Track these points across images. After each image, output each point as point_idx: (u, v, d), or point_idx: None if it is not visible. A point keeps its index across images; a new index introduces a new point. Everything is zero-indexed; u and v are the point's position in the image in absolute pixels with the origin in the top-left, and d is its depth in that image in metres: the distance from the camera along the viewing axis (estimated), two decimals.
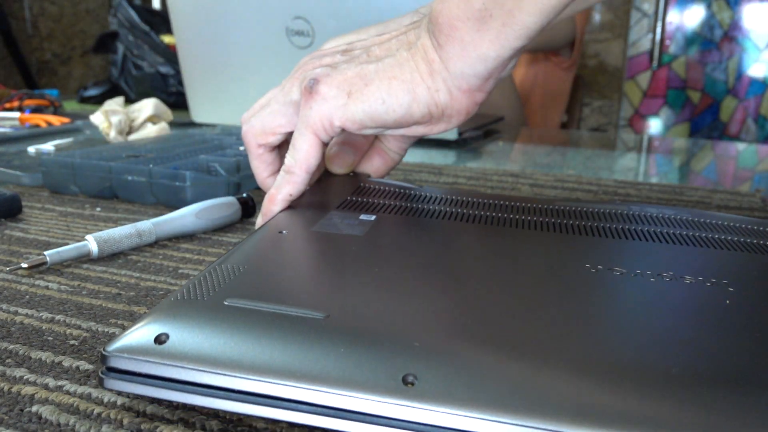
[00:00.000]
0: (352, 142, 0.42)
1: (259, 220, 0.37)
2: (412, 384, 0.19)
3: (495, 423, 0.18)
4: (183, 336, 0.21)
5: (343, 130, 0.35)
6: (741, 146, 0.98)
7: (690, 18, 2.28)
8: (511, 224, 0.35)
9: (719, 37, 2.26)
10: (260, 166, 0.39)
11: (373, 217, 0.35)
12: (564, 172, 0.68)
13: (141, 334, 0.22)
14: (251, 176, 0.52)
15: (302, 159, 0.36)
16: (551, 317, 0.24)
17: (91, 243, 0.37)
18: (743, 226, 0.36)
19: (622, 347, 0.22)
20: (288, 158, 0.36)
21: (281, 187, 0.36)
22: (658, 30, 2.29)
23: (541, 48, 1.38)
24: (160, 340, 0.21)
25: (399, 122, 0.35)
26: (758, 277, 0.29)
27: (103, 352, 0.21)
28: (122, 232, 0.39)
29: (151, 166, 0.49)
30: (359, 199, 0.38)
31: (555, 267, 0.29)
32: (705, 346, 0.22)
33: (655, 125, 2.40)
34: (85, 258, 0.38)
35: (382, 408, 0.19)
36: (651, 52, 2.33)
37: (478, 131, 0.90)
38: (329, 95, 0.34)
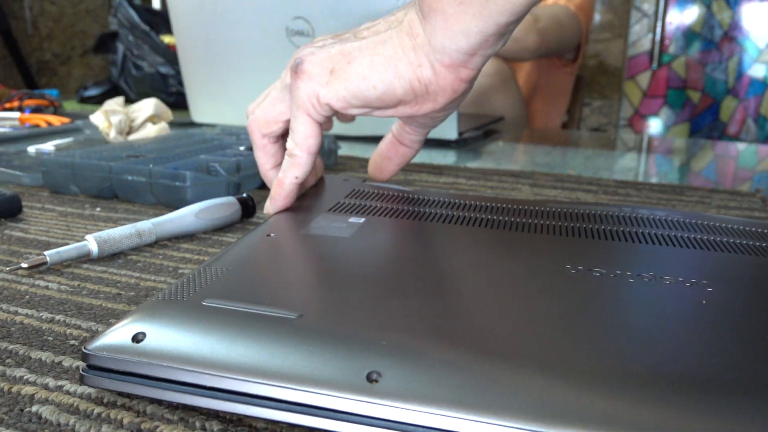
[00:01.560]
0: (391, 151, 0.43)
1: (268, 204, 0.38)
2: (376, 381, 0.20)
3: (455, 419, 0.19)
4: (159, 335, 0.22)
5: (334, 111, 0.36)
6: (741, 146, 0.98)
7: (690, 18, 2.28)
8: (495, 226, 0.36)
9: (719, 37, 2.26)
10: (264, 157, 0.40)
11: (362, 220, 0.36)
12: (564, 172, 0.68)
13: (120, 333, 0.23)
14: (251, 176, 0.52)
15: (301, 140, 0.36)
16: (523, 317, 0.24)
17: (91, 243, 0.37)
18: (732, 227, 0.37)
19: (589, 347, 0.22)
20: (289, 142, 0.37)
21: (287, 171, 0.37)
22: (658, 30, 2.29)
23: (553, 53, 1.38)
24: (137, 338, 0.22)
25: (382, 99, 0.35)
26: (738, 277, 0.30)
27: (84, 350, 0.22)
28: (122, 232, 0.39)
29: (150, 166, 0.49)
30: (352, 201, 0.39)
31: (534, 267, 0.30)
32: (676, 345, 0.22)
33: (655, 125, 2.40)
34: (85, 258, 0.38)
35: (346, 404, 0.20)
36: (651, 52, 2.33)
37: (478, 131, 0.90)
38: (313, 73, 0.35)
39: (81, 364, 0.26)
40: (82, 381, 0.23)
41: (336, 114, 0.39)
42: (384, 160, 0.44)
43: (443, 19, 0.32)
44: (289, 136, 0.37)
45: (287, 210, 0.38)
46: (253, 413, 0.21)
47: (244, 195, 0.46)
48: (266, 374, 0.20)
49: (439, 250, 0.33)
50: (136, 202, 0.50)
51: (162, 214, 0.43)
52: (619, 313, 0.25)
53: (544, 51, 1.32)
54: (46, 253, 0.35)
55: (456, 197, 0.41)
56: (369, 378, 0.20)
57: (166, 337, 0.22)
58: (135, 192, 0.50)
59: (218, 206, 0.44)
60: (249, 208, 0.46)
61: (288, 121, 0.39)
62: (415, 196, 0.41)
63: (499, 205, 0.40)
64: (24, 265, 0.34)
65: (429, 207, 0.39)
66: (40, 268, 0.36)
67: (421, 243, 0.34)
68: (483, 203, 0.40)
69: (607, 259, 0.30)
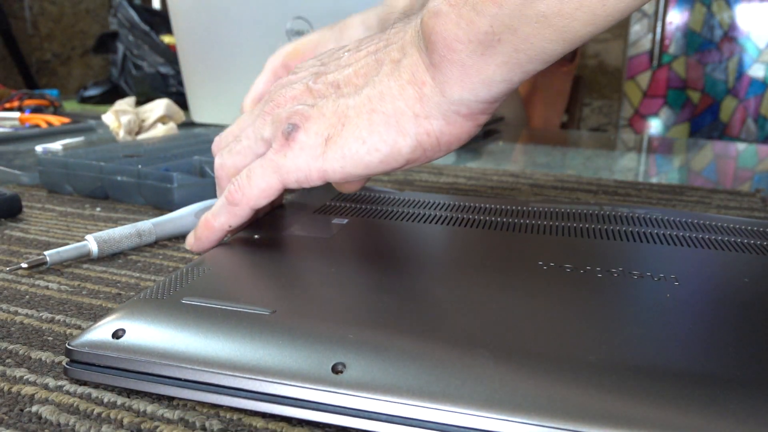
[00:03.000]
0: None
1: (191, 241, 0.34)
2: (341, 372, 0.21)
3: (417, 408, 0.19)
4: (138, 331, 0.23)
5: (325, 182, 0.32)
6: (741, 146, 0.98)
7: (690, 18, 2.28)
8: (471, 225, 0.36)
9: (719, 37, 2.26)
10: None
11: (345, 221, 0.36)
12: (564, 172, 0.68)
13: (101, 330, 0.24)
14: None
15: (253, 196, 0.32)
16: (487, 310, 0.25)
17: (91, 243, 0.37)
18: (714, 224, 0.37)
19: (549, 337, 0.22)
20: (235, 187, 0.32)
21: (220, 217, 0.33)
22: (658, 30, 2.29)
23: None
24: (117, 335, 0.24)
25: (385, 162, 0.30)
26: (706, 271, 0.30)
27: (68, 346, 0.24)
28: (122, 232, 0.39)
29: (139, 166, 0.49)
30: (337, 204, 0.40)
31: (505, 264, 0.30)
32: (636, 335, 0.23)
33: (655, 125, 2.40)
34: (85, 258, 0.38)
35: (312, 394, 0.21)
36: (651, 52, 2.33)
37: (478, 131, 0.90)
38: (307, 144, 0.30)
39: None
40: (65, 374, 0.24)
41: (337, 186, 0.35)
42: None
43: (461, 70, 0.28)
44: (239, 179, 0.32)
45: (274, 213, 0.39)
46: (226, 403, 0.22)
47: None
48: (238, 367, 0.22)
49: (413, 249, 0.34)
50: (127, 203, 0.50)
51: (162, 215, 0.43)
52: (583, 307, 0.26)
53: None
54: (46, 253, 0.35)
55: (440, 198, 0.42)
56: (334, 369, 0.21)
57: (145, 333, 0.23)
58: (125, 193, 0.50)
59: None
60: None
61: None
62: (400, 198, 0.42)
63: (479, 205, 0.40)
64: (24, 265, 0.34)
65: (411, 207, 0.40)
66: (40, 268, 0.36)
67: (397, 242, 0.35)
68: (465, 203, 0.41)
69: (578, 256, 0.31)
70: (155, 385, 0.23)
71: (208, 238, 0.34)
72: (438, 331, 0.23)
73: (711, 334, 0.23)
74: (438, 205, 0.40)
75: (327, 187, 0.44)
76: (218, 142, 0.38)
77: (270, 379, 0.21)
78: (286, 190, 0.33)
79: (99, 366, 0.23)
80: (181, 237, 0.42)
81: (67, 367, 0.24)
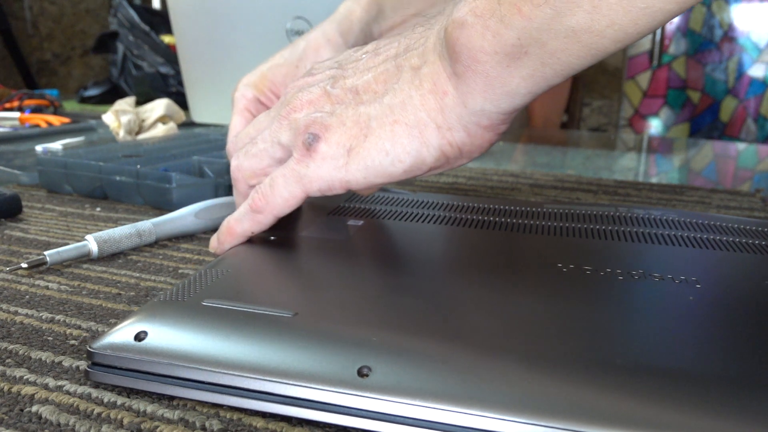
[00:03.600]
0: None
1: (215, 244, 0.35)
2: (367, 375, 0.20)
3: (442, 411, 0.19)
4: (160, 333, 0.23)
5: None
6: (741, 146, 0.98)
7: (690, 18, 2.28)
8: (489, 227, 0.36)
9: (719, 37, 2.26)
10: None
11: (360, 222, 0.36)
12: (564, 172, 0.68)
13: (123, 332, 0.24)
14: None
15: (277, 205, 0.32)
16: (511, 313, 0.25)
17: (91, 243, 0.37)
18: (726, 225, 0.37)
19: (575, 342, 0.22)
20: (258, 195, 0.32)
21: (243, 223, 0.33)
22: (658, 30, 2.29)
23: None
24: (139, 337, 0.23)
25: (410, 172, 0.30)
26: (727, 273, 0.30)
27: (89, 349, 0.23)
28: (122, 232, 0.39)
29: (138, 167, 0.49)
30: (351, 205, 0.40)
31: (525, 266, 0.30)
32: (661, 340, 0.23)
33: (655, 125, 2.40)
34: (85, 258, 0.38)
35: (338, 398, 0.20)
36: (651, 52, 2.33)
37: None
38: (329, 155, 0.30)
39: (82, 363, 0.26)
40: (87, 377, 0.24)
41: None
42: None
43: (485, 81, 0.27)
44: (262, 188, 0.32)
45: (291, 213, 0.38)
46: (250, 406, 0.21)
47: None
48: (262, 370, 0.21)
49: (432, 250, 0.34)
50: (126, 203, 0.50)
51: (161, 215, 0.43)
52: (607, 310, 0.26)
53: None
54: (46, 253, 0.35)
55: (452, 199, 0.42)
56: (360, 373, 0.21)
57: (167, 336, 0.23)
58: (123, 193, 0.50)
59: (218, 206, 0.44)
60: None
61: None
62: (414, 199, 0.42)
63: (494, 206, 0.40)
64: (24, 265, 0.34)
65: (427, 209, 0.39)
66: (40, 268, 0.36)
67: (415, 244, 0.35)
68: (478, 205, 0.40)
69: (598, 258, 0.31)
70: (178, 389, 0.22)
71: (231, 243, 0.34)
72: (463, 334, 0.23)
73: (739, 337, 0.23)
74: (452, 206, 0.40)
75: None
76: (234, 144, 0.37)
77: (295, 383, 0.21)
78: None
79: (121, 369, 0.23)
80: (180, 237, 0.42)
81: (89, 370, 0.24)
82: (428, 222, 0.37)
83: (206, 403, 0.23)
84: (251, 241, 0.33)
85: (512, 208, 0.40)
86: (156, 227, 0.40)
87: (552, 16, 0.24)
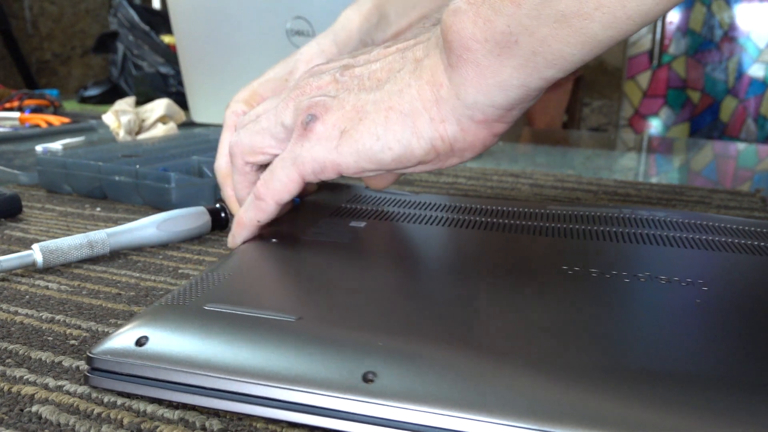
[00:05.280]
0: None
1: (230, 240, 0.35)
2: (372, 381, 0.20)
3: (449, 417, 0.19)
4: (162, 338, 0.23)
5: (341, 175, 0.32)
6: (741, 146, 0.98)
7: (690, 18, 2.28)
8: (493, 228, 0.36)
9: (719, 37, 2.26)
10: (242, 182, 0.36)
11: (362, 224, 0.36)
12: (564, 172, 0.68)
13: (123, 337, 0.23)
14: None
15: (276, 190, 0.32)
16: (517, 317, 0.24)
17: (36, 253, 0.35)
18: (730, 226, 0.37)
19: (583, 346, 0.22)
20: (260, 182, 0.33)
21: (249, 212, 0.34)
22: (658, 30, 2.29)
23: None
24: (140, 342, 0.23)
25: (399, 161, 0.30)
26: (734, 276, 0.30)
27: (89, 354, 0.23)
28: (71, 243, 0.36)
29: (137, 166, 0.49)
30: (353, 206, 0.40)
31: (530, 269, 0.30)
32: (669, 343, 0.22)
33: (655, 125, 2.40)
34: (31, 268, 0.36)
35: (343, 404, 0.20)
36: (651, 52, 2.33)
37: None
38: (323, 135, 0.31)
39: (82, 363, 0.26)
40: (86, 382, 0.23)
41: (365, 182, 0.36)
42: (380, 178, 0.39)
43: (476, 71, 0.27)
44: (264, 175, 0.33)
45: (289, 216, 0.38)
46: (253, 412, 0.21)
47: (217, 205, 0.43)
48: (265, 375, 0.21)
49: (436, 253, 0.33)
50: (126, 203, 0.50)
51: (150, 214, 0.43)
52: (614, 313, 0.25)
53: None
54: None
55: (455, 200, 0.42)
56: (365, 378, 0.20)
57: (168, 341, 0.23)
58: (123, 193, 0.50)
59: (184, 217, 0.41)
60: (220, 220, 0.43)
61: (275, 154, 0.34)
62: (416, 200, 0.41)
63: (497, 207, 0.40)
64: None
65: (429, 210, 0.39)
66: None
67: (418, 246, 0.34)
68: (482, 206, 0.40)
69: (603, 260, 0.30)
70: (179, 394, 0.22)
71: (242, 235, 0.34)
72: (468, 338, 0.22)
73: (746, 340, 0.23)
74: (455, 208, 0.39)
75: (341, 191, 0.44)
76: (239, 121, 0.38)
77: (299, 388, 0.21)
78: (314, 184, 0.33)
79: (121, 374, 0.23)
80: (140, 249, 0.40)
81: (89, 375, 0.23)
82: (431, 224, 0.36)
83: (209, 408, 0.22)
84: (253, 243, 0.33)
85: (515, 209, 0.39)
86: (110, 238, 0.38)
87: (541, 1, 0.25)
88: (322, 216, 0.37)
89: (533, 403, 0.19)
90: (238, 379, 0.21)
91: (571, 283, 0.27)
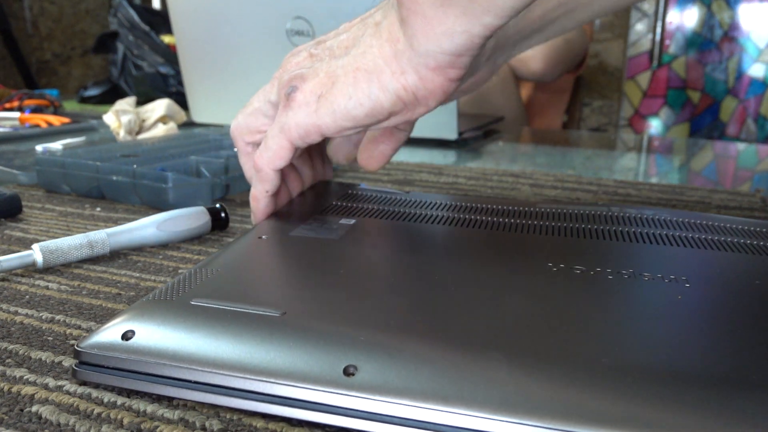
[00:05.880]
0: (384, 136, 0.41)
1: (253, 218, 0.39)
2: (353, 375, 0.21)
3: (428, 411, 0.19)
4: (148, 333, 0.23)
5: (324, 137, 0.35)
6: (741, 146, 0.98)
7: (690, 18, 2.28)
8: (480, 226, 0.36)
9: (719, 37, 2.26)
10: (248, 162, 0.40)
11: (352, 221, 0.36)
12: (564, 172, 0.68)
13: (110, 331, 0.24)
14: (240, 178, 0.52)
15: (270, 158, 0.36)
16: (499, 313, 0.25)
17: (36, 253, 0.35)
18: (717, 224, 0.37)
19: (562, 341, 0.22)
20: (257, 156, 0.37)
21: (257, 186, 0.38)
22: (658, 30, 2.29)
23: (559, 75, 1.38)
24: (126, 336, 0.23)
25: (371, 115, 0.33)
26: (716, 273, 0.30)
27: (76, 348, 0.23)
28: (72, 243, 0.36)
29: (135, 166, 0.49)
30: (344, 204, 0.40)
31: (514, 265, 0.30)
32: (648, 338, 0.23)
33: (655, 125, 2.40)
34: (31, 268, 0.36)
35: (324, 397, 0.20)
36: (651, 52, 2.33)
37: (478, 131, 0.90)
38: (303, 102, 0.34)
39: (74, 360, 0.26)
40: (74, 376, 0.24)
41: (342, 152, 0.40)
42: (377, 146, 0.41)
43: (423, 21, 0.30)
44: (260, 148, 0.37)
45: (280, 213, 0.39)
46: (238, 405, 0.22)
47: (217, 205, 0.43)
48: (248, 369, 0.22)
49: (422, 250, 0.34)
50: (125, 203, 0.50)
51: (151, 214, 0.43)
52: (595, 308, 0.26)
53: (550, 77, 1.33)
54: None
55: (445, 198, 0.42)
56: (346, 372, 0.21)
57: (154, 335, 0.23)
58: (121, 193, 0.50)
59: (184, 217, 0.41)
60: (221, 220, 0.43)
61: None
62: (407, 198, 0.42)
63: (485, 206, 0.40)
64: None
65: (419, 208, 0.39)
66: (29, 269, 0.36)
67: (406, 244, 0.35)
68: (470, 204, 0.40)
69: (588, 258, 0.31)
70: (164, 387, 0.22)
71: (257, 208, 0.38)
72: (450, 333, 0.23)
73: (724, 336, 0.23)
74: (445, 206, 0.40)
75: (332, 188, 0.44)
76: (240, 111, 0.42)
77: (281, 381, 0.21)
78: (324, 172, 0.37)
79: (108, 368, 0.23)
80: (140, 249, 0.40)
81: (76, 369, 0.24)
82: (419, 221, 0.37)
83: (195, 402, 0.23)
84: (242, 241, 0.33)
85: (504, 207, 0.40)
86: (110, 238, 0.38)
87: None
88: (312, 213, 0.38)
89: (512, 396, 0.19)
90: (222, 372, 0.22)
91: (555, 280, 0.28)
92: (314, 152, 0.45)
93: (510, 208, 0.39)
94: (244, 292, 0.27)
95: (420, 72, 0.31)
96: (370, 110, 0.33)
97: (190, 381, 0.22)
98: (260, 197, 0.38)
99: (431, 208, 0.39)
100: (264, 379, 0.21)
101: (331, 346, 0.22)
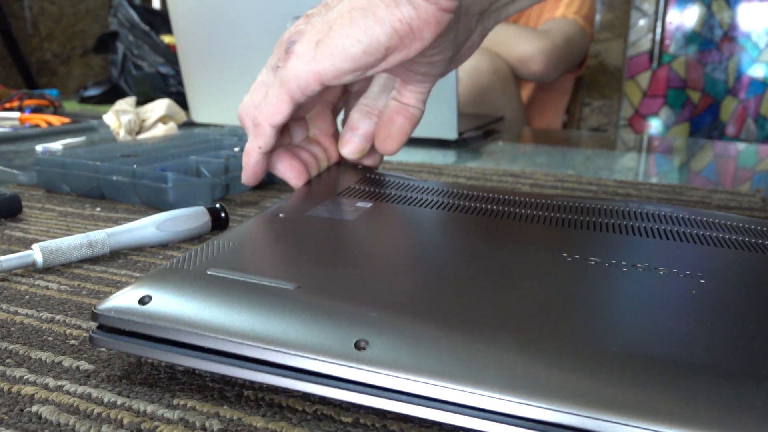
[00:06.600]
0: (398, 115, 0.41)
1: (242, 175, 0.39)
2: (364, 349, 0.21)
3: (436, 387, 0.20)
4: (164, 299, 0.24)
5: (325, 86, 0.35)
6: (741, 146, 0.98)
7: (690, 18, 2.28)
8: (497, 215, 0.36)
9: (719, 37, 2.26)
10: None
11: (369, 205, 0.36)
12: (564, 172, 0.68)
13: (127, 295, 0.24)
14: (240, 177, 0.52)
15: (269, 113, 0.36)
16: (511, 298, 0.25)
17: (36, 253, 0.35)
18: (731, 223, 0.37)
19: (572, 326, 0.22)
20: (256, 110, 0.37)
21: (252, 141, 0.38)
22: (658, 30, 2.29)
23: (560, 75, 1.38)
24: (143, 301, 0.23)
25: (368, 52, 0.33)
26: (731, 270, 0.30)
27: (94, 310, 0.24)
28: (71, 243, 0.36)
29: (135, 166, 0.49)
30: (361, 187, 0.40)
31: (530, 254, 0.30)
32: (661, 330, 0.23)
33: (655, 125, 2.40)
34: (31, 268, 0.36)
35: (335, 369, 0.21)
36: (651, 52, 2.33)
37: (478, 131, 0.90)
38: (301, 51, 0.34)
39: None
40: (91, 342, 0.24)
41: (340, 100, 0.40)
42: (394, 123, 0.41)
43: None
44: (260, 104, 0.37)
45: (299, 193, 0.39)
46: (248, 377, 0.22)
47: (217, 205, 0.43)
48: (262, 339, 0.22)
49: (438, 234, 0.34)
50: (124, 203, 0.50)
51: (148, 214, 0.43)
52: (608, 299, 0.26)
53: (550, 77, 1.32)
54: None
55: (463, 187, 0.42)
56: (357, 346, 0.21)
57: (171, 301, 0.23)
58: (120, 192, 0.50)
59: (184, 217, 0.41)
60: (221, 220, 0.43)
61: None
62: (424, 185, 0.42)
63: (502, 196, 0.40)
64: None
65: (436, 195, 0.39)
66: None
67: (421, 228, 0.35)
68: (487, 194, 0.40)
69: (604, 250, 0.31)
70: (178, 356, 0.22)
71: (248, 163, 0.39)
72: (461, 314, 0.23)
73: (737, 331, 0.23)
74: (462, 195, 0.40)
75: (351, 172, 0.44)
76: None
77: (292, 352, 0.21)
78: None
79: (124, 333, 0.23)
80: (140, 249, 0.40)
81: (93, 335, 0.24)
82: (437, 208, 0.37)
83: (207, 372, 0.23)
84: (260, 218, 0.34)
85: (520, 198, 0.40)
86: (110, 238, 0.38)
87: None
88: (330, 195, 0.38)
89: (519, 377, 0.19)
90: (236, 340, 0.22)
91: (569, 269, 0.28)
92: (326, 135, 0.44)
93: (526, 199, 0.39)
94: (260, 265, 0.27)
95: (413, 2, 0.32)
96: (368, 46, 0.33)
97: (203, 348, 0.22)
98: (252, 152, 0.38)
99: (447, 196, 0.39)
100: (276, 348, 0.21)
101: (344, 320, 0.22)
